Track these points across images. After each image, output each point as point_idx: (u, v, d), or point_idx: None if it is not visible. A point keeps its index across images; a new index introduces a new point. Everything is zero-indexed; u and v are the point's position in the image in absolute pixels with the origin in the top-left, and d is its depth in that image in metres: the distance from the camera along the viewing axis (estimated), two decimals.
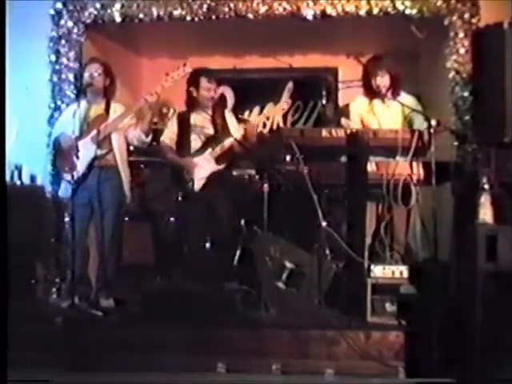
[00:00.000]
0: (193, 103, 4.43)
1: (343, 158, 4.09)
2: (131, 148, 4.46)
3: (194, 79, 4.36)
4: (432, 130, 3.57)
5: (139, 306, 3.88)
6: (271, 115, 4.30)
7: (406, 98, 4.12)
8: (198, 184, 4.30)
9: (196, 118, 4.42)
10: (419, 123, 4.02)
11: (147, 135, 4.21)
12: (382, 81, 4.06)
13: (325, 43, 5.42)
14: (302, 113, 6.03)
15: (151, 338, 3.58)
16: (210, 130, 4.40)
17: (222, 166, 4.37)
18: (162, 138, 4.49)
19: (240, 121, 4.79)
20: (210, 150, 4.34)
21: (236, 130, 4.44)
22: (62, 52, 4.70)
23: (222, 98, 4.65)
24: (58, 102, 4.66)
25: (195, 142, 4.39)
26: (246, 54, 5.70)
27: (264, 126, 6.04)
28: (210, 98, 4.38)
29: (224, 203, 4.38)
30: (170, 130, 4.48)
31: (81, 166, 4.07)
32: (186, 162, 4.34)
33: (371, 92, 4.12)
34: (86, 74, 4.15)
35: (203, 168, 4.31)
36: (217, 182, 4.33)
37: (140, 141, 4.23)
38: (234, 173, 4.80)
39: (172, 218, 4.81)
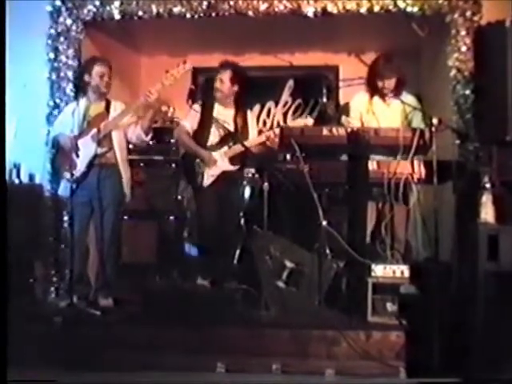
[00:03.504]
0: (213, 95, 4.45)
1: (344, 157, 4.08)
2: (131, 146, 4.44)
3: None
4: (433, 129, 3.55)
5: (138, 306, 3.88)
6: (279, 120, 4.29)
7: (406, 97, 4.10)
8: (207, 180, 4.30)
9: (219, 111, 4.41)
10: (417, 122, 4.01)
11: (147, 134, 4.20)
12: (389, 83, 4.03)
13: (325, 41, 5.40)
14: (302, 111, 6.01)
15: (150, 337, 3.56)
16: (231, 127, 4.39)
17: (234, 167, 4.38)
18: (182, 122, 4.50)
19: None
20: (226, 148, 4.35)
21: (254, 132, 4.48)
22: (61, 49, 4.68)
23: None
24: (57, 100, 4.64)
25: (214, 135, 4.39)
26: (246, 52, 5.66)
27: (264, 124, 6.03)
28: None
29: (230, 202, 4.41)
30: (193, 117, 4.46)
31: (81, 164, 4.06)
32: (205, 154, 4.34)
33: (375, 91, 4.10)
34: (95, 76, 4.13)
35: (216, 165, 4.32)
36: (227, 181, 4.34)
37: (139, 139, 4.23)
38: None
39: (172, 217, 4.79)
